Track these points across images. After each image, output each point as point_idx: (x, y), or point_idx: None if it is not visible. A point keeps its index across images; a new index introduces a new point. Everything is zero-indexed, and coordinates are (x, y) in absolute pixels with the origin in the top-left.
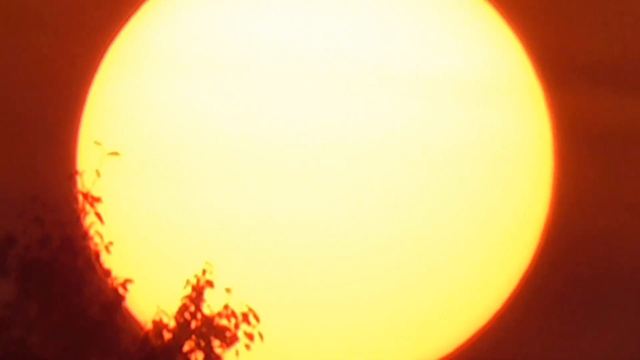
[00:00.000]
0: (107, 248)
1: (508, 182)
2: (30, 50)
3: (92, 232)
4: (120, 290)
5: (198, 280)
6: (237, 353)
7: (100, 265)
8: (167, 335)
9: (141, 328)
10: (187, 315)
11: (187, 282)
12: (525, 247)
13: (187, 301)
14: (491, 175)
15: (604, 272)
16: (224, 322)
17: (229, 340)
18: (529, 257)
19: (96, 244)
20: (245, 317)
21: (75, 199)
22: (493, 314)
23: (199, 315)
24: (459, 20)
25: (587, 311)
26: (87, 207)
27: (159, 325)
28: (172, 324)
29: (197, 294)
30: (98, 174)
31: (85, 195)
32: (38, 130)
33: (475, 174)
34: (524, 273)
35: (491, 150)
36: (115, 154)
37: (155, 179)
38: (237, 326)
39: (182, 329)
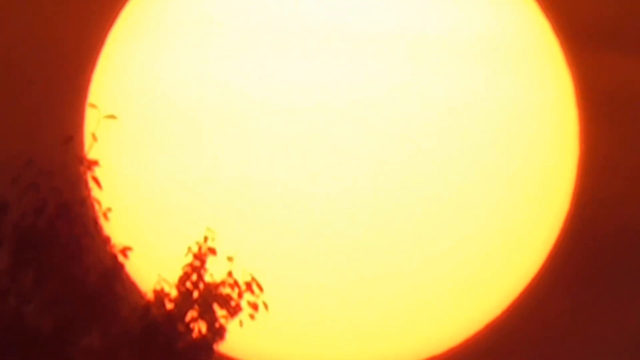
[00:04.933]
0: (105, 215)
1: (530, 148)
2: (37, 12)
3: (89, 198)
4: (120, 258)
5: (200, 248)
6: (241, 324)
7: (99, 232)
8: (168, 305)
9: (142, 297)
10: (189, 284)
11: (189, 249)
12: (551, 217)
13: (188, 269)
14: (512, 141)
15: (633, 240)
16: (227, 291)
17: (232, 310)
18: (555, 228)
19: (94, 211)
20: (248, 286)
21: (73, 164)
22: (521, 290)
23: (201, 285)
24: None
25: (616, 283)
26: (85, 172)
27: (160, 295)
28: (173, 293)
29: (199, 262)
30: (95, 137)
31: (83, 160)
32: (36, 92)
33: (497, 140)
34: (551, 246)
35: (513, 114)
36: (112, 117)
37: (156, 143)
38: (240, 296)
39: (184, 299)
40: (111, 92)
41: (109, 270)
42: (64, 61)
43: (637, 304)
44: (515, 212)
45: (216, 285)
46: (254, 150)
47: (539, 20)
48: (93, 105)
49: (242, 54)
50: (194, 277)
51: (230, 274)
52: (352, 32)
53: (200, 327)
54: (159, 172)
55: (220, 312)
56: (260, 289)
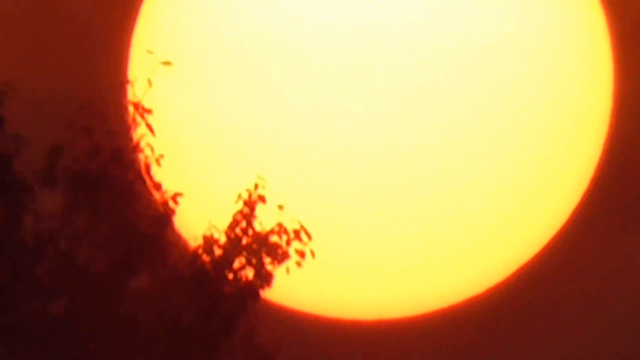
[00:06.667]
0: (157, 160)
1: (564, 90)
2: None
3: (142, 143)
4: (171, 203)
5: (250, 195)
6: (287, 270)
7: (151, 177)
8: (217, 251)
9: (191, 243)
10: (238, 231)
11: (239, 196)
12: (586, 157)
13: (238, 216)
14: (547, 79)
15: None
16: (275, 238)
17: (280, 257)
18: (591, 168)
19: (147, 156)
20: (297, 234)
21: (126, 109)
22: (559, 227)
23: (250, 232)
24: None
25: None
26: (138, 117)
27: (209, 241)
28: (222, 239)
29: (248, 210)
30: (150, 83)
31: (137, 106)
32: (90, 36)
33: (532, 77)
34: (587, 184)
35: (548, 54)
36: (167, 63)
37: (208, 90)
38: (288, 243)
39: (233, 245)
40: (160, 36)
41: (160, 216)
42: (115, 4)
43: None
44: (548, 154)
45: (265, 233)
46: (307, 97)
47: None
48: (150, 51)
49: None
50: (243, 224)
51: (279, 223)
52: None
53: (248, 274)
54: (211, 119)
55: (267, 259)
56: (309, 237)
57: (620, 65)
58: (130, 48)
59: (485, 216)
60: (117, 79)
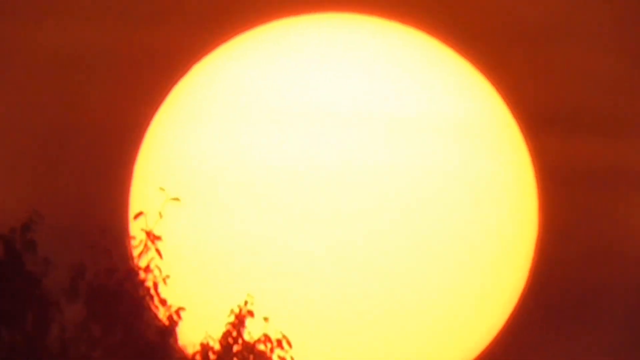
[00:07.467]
0: (164, 280)
1: (493, 222)
2: (97, 97)
3: (152, 265)
4: (174, 316)
5: (240, 310)
6: None
7: (158, 294)
8: (212, 357)
9: (190, 349)
10: (230, 339)
11: (231, 311)
12: (512, 284)
13: (230, 328)
14: (476, 215)
15: (589, 305)
16: (261, 347)
17: None
18: (516, 294)
19: (155, 276)
20: (279, 342)
21: (139, 236)
22: (485, 345)
23: (240, 340)
24: (442, 72)
25: (572, 335)
26: (149, 243)
27: (205, 348)
28: (217, 347)
29: (239, 322)
30: (161, 215)
31: (148, 234)
32: (108, 172)
33: (461, 216)
34: (514, 303)
35: (477, 191)
36: (176, 199)
37: (206, 220)
38: (272, 350)
39: (226, 352)
40: (158, 167)
41: (165, 327)
42: (118, 144)
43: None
44: (482, 273)
45: (252, 342)
46: (290, 227)
47: (501, 106)
48: (162, 189)
49: (282, 134)
50: (234, 334)
51: (265, 333)
52: (348, 115)
53: None
54: (209, 246)
55: None
56: (290, 345)
57: (544, 197)
58: (134, 184)
59: (427, 329)
60: (132, 211)
